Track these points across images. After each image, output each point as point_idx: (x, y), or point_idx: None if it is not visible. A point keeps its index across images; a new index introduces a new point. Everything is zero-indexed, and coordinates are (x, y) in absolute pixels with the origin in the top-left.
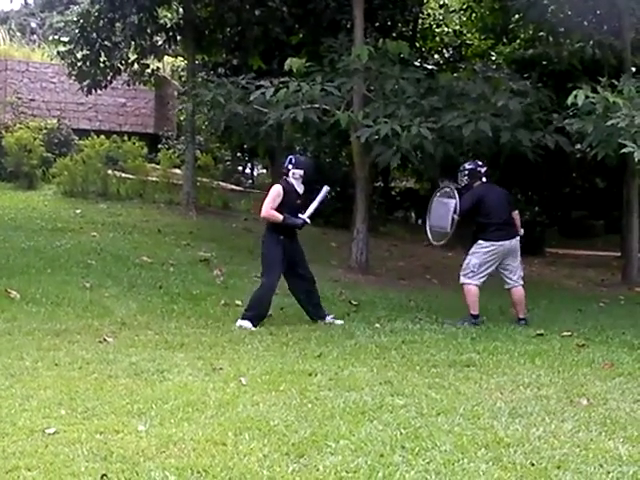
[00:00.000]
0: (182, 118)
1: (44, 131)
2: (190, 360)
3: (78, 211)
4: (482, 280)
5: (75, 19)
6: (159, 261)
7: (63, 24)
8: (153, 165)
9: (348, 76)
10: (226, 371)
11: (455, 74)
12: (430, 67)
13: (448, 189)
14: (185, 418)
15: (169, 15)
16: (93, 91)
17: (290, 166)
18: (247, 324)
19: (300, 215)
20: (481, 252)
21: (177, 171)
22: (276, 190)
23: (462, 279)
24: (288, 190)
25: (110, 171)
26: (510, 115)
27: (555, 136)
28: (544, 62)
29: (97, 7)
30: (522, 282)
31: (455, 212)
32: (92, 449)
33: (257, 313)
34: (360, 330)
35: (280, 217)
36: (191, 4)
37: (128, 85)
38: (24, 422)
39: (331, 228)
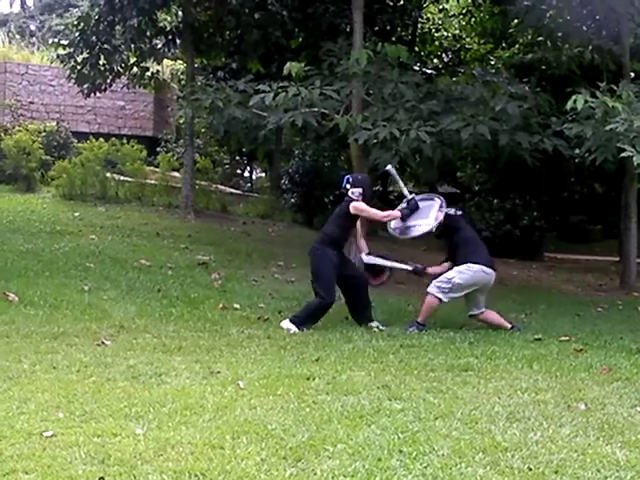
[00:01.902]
0: (181, 121)
1: (43, 134)
2: (188, 364)
3: (77, 214)
4: (451, 300)
5: (75, 22)
6: (157, 264)
7: (63, 27)
8: (152, 168)
9: (347, 80)
10: (224, 375)
11: (454, 78)
12: (429, 71)
13: (429, 195)
14: (183, 422)
15: (169, 18)
16: (92, 94)
17: (348, 185)
18: (294, 328)
19: (407, 199)
20: (470, 276)
21: (176, 174)
22: (364, 204)
23: (433, 289)
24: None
25: (109, 174)
26: (509, 119)
27: (554, 140)
28: (543, 67)
29: (97, 10)
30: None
31: (442, 207)
32: (90, 452)
33: (307, 319)
34: (358, 334)
35: (395, 212)
36: (190, 7)
37: (127, 88)
38: (22, 425)
39: None
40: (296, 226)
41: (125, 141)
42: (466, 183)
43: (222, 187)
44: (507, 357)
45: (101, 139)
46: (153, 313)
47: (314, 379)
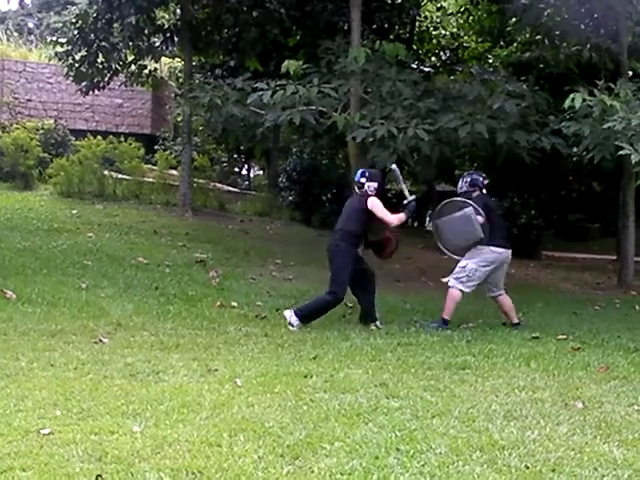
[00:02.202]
0: (179, 119)
1: (41, 131)
2: (185, 361)
3: (74, 212)
4: (472, 288)
5: (73, 20)
6: (155, 262)
7: (61, 25)
8: (150, 166)
9: (345, 78)
10: (221, 372)
11: (452, 76)
12: (427, 69)
13: (452, 202)
14: (180, 419)
15: (166, 16)
16: (90, 92)
17: (363, 179)
18: (296, 322)
19: (405, 202)
20: (481, 257)
21: (174, 172)
22: (379, 201)
23: (452, 282)
24: None
25: (107, 172)
26: (506, 117)
27: (551, 138)
28: (541, 65)
29: (95, 8)
30: (504, 289)
31: (478, 214)
32: (87, 450)
33: (312, 314)
34: (355, 332)
35: (403, 215)
36: (188, 5)
37: (125, 86)
38: (19, 422)
39: (327, 230)
40: (294, 224)
41: (123, 139)
42: None
43: (220, 185)
44: (505, 355)
45: (99, 137)
46: (151, 311)
47: (312, 377)
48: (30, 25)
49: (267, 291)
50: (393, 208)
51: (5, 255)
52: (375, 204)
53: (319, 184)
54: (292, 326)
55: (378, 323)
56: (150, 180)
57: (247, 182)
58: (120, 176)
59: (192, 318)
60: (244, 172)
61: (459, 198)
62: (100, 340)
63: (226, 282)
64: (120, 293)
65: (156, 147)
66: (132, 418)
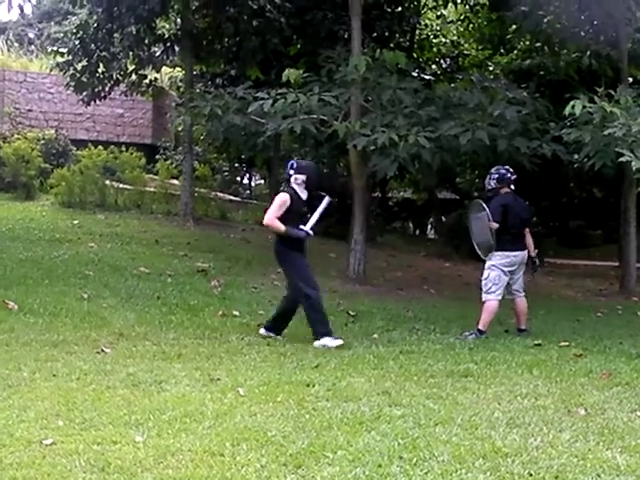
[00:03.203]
0: (180, 129)
1: (42, 142)
2: (188, 371)
3: (76, 222)
4: (502, 294)
5: (74, 30)
6: (157, 272)
7: (61, 35)
8: (151, 176)
9: (346, 86)
10: (224, 382)
11: (452, 84)
12: (427, 77)
13: (477, 203)
14: (183, 429)
15: (167, 26)
16: (91, 102)
17: (292, 171)
18: (328, 341)
19: (302, 227)
20: (498, 263)
21: (175, 182)
22: (282, 198)
23: (485, 296)
24: (294, 198)
25: (108, 182)
26: (507, 124)
27: (552, 145)
28: (541, 72)
29: (95, 18)
30: (524, 292)
31: (489, 220)
32: (90, 460)
33: (323, 323)
34: (358, 341)
35: (282, 227)
36: (189, 15)
37: (126, 96)
38: (21, 433)
39: (329, 239)
40: None
41: (124, 149)
42: (465, 189)
43: (221, 194)
44: (507, 363)
45: (100, 147)
46: (153, 320)
47: (314, 386)
48: (31, 35)
49: (269, 300)
50: (394, 215)
51: (7, 265)
52: (276, 199)
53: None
54: (329, 347)
55: (279, 337)
56: (151, 190)
57: (248, 191)
58: (121, 186)
59: (194, 327)
60: (245, 181)
61: (480, 201)
62: (102, 350)
63: (228, 291)
64: (122, 303)
65: (157, 157)
66: (135, 428)
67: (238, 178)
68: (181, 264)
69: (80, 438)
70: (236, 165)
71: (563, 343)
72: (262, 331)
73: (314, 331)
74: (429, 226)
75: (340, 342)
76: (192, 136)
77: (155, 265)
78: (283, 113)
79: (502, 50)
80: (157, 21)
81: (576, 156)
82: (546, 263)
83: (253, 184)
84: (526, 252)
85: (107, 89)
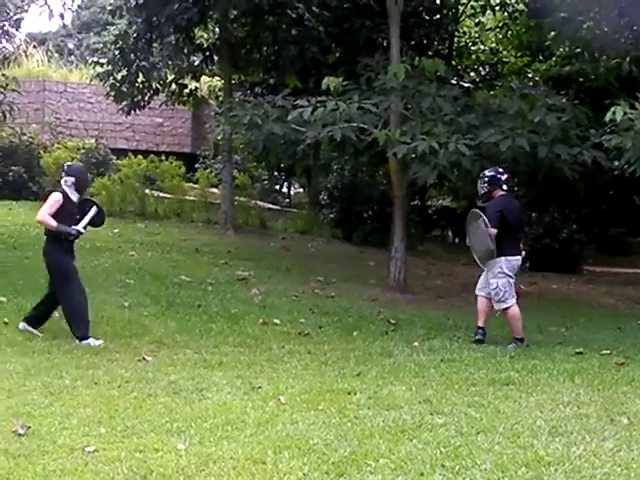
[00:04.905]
0: (219, 138)
1: (82, 151)
2: (229, 379)
3: (116, 230)
4: (515, 295)
5: (113, 40)
6: (197, 280)
7: (101, 45)
8: (191, 185)
9: (385, 94)
10: (265, 390)
11: (491, 91)
12: (466, 85)
13: (474, 212)
14: (224, 436)
15: (205, 35)
16: (131, 111)
17: (63, 173)
18: (91, 341)
19: (74, 226)
20: (504, 270)
21: (215, 190)
22: (55, 197)
23: (500, 305)
24: (65, 199)
25: (148, 190)
26: (547, 131)
27: (593, 152)
28: (580, 79)
29: (134, 28)
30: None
31: (487, 226)
32: (132, 467)
33: (84, 325)
34: (399, 349)
35: (54, 223)
36: (227, 24)
37: (166, 105)
38: (64, 440)
39: (369, 247)
40: (335, 241)
41: (163, 158)
42: None
43: (261, 203)
44: (548, 371)
45: (139, 156)
46: (193, 329)
47: (355, 394)
48: (70, 46)
49: (310, 308)
50: (433, 223)
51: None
52: (49, 198)
53: (360, 201)
54: (90, 344)
55: (35, 331)
56: (191, 198)
57: (287, 200)
58: (161, 195)
59: (235, 336)
60: (284, 190)
61: (475, 209)
62: (143, 358)
63: (268, 299)
64: (163, 311)
65: (197, 165)
66: (176, 435)
67: (277, 186)
68: (221, 272)
69: (122, 445)
70: (275, 173)
71: (604, 351)
72: (21, 325)
73: (73, 333)
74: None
75: (100, 342)
76: (231, 145)
77: (195, 273)
78: (323, 121)
79: (541, 57)
80: (196, 30)
81: (617, 163)
82: (586, 271)
83: (292, 192)
84: (520, 257)
85: (146, 98)
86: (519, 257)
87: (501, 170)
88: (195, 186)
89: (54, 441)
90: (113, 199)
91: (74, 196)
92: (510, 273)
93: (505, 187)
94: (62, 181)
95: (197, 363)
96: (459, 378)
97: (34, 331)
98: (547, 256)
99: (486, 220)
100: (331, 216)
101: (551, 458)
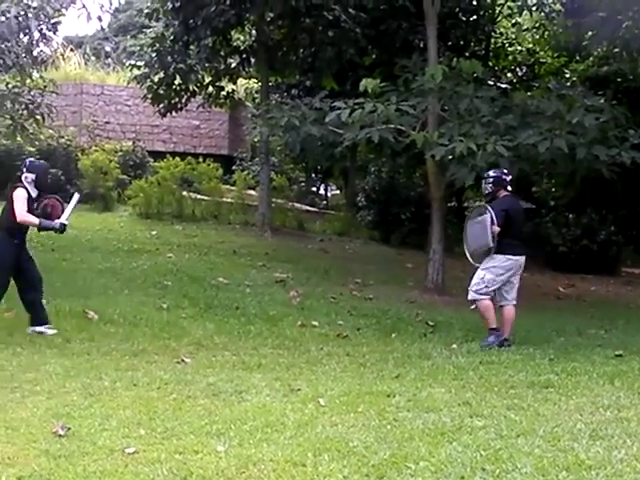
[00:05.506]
0: (256, 139)
1: (119, 153)
2: (268, 381)
3: (154, 232)
4: (490, 296)
5: (150, 42)
6: (235, 282)
7: (138, 48)
8: (228, 187)
9: (422, 96)
10: (304, 392)
11: (529, 92)
12: (504, 86)
13: (480, 206)
14: (264, 439)
15: (242, 37)
16: (168, 113)
17: (24, 169)
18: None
19: (57, 220)
20: (497, 266)
21: (252, 192)
22: (22, 193)
23: (473, 295)
24: (27, 194)
25: (185, 193)
26: (586, 132)
27: (631, 153)
28: (619, 79)
29: (171, 30)
30: (514, 302)
31: (493, 223)
32: (172, 469)
33: None
34: (437, 351)
35: (36, 220)
36: (264, 26)
37: (203, 107)
38: (104, 441)
39: (406, 249)
40: (373, 243)
41: (201, 160)
42: (541, 198)
43: (298, 205)
44: (588, 374)
45: (177, 158)
46: (232, 331)
47: (394, 396)
48: (107, 49)
49: (348, 310)
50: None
51: (87, 276)
52: (17, 196)
53: (398, 203)
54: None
55: (46, 327)
56: (228, 200)
57: (324, 201)
58: (199, 197)
59: (273, 338)
60: (321, 191)
61: (483, 203)
62: (182, 360)
63: (306, 301)
64: (201, 313)
65: (234, 168)
66: (216, 437)
67: (314, 188)
68: (259, 274)
69: (162, 447)
70: (312, 175)
71: None
72: (29, 330)
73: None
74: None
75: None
76: (269, 147)
77: (233, 275)
78: (361, 123)
79: (578, 57)
80: (232, 33)
81: None
82: (624, 273)
83: (329, 194)
84: (524, 258)
85: (183, 101)
86: (519, 257)
87: (505, 171)
88: (232, 188)
89: (94, 442)
90: (150, 201)
91: (34, 193)
92: (501, 272)
93: (509, 188)
94: (22, 177)
95: (236, 365)
96: (498, 381)
97: (45, 330)
98: (585, 258)
99: (493, 216)
100: (369, 218)
101: (592, 462)
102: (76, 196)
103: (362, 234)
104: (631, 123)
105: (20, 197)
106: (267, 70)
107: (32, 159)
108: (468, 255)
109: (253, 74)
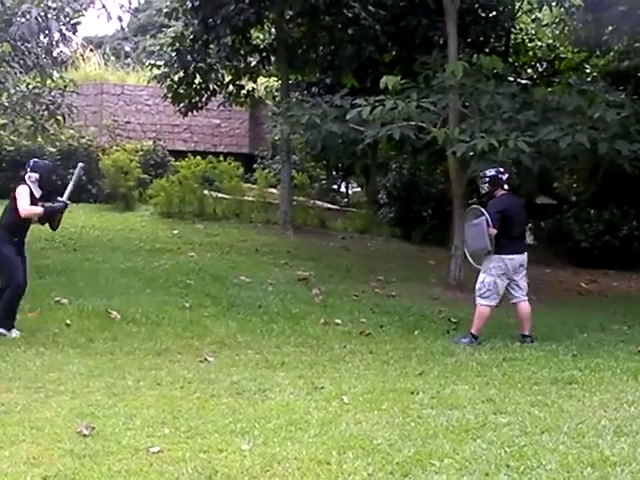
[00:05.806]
0: (277, 138)
1: (140, 153)
2: (291, 379)
3: (175, 231)
4: (497, 300)
5: (170, 42)
6: (257, 280)
7: (157, 47)
8: (249, 185)
9: (443, 92)
10: (327, 390)
11: (550, 88)
12: (524, 81)
13: (474, 208)
14: (288, 437)
15: (262, 36)
16: (188, 113)
17: (28, 169)
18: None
19: (59, 199)
20: (495, 267)
21: (273, 191)
22: (24, 189)
23: (478, 300)
24: (30, 193)
25: (206, 191)
26: (607, 127)
27: None
28: (639, 74)
29: (191, 29)
30: (526, 297)
31: (489, 225)
32: (196, 468)
33: (9, 316)
34: (460, 348)
35: (39, 210)
36: (283, 24)
37: (223, 106)
38: (128, 441)
39: (428, 246)
40: (394, 240)
41: (222, 158)
42: (563, 194)
43: (319, 202)
44: (611, 369)
45: (198, 157)
46: (254, 329)
47: (418, 393)
48: (127, 49)
49: (370, 308)
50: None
51: (109, 276)
52: (19, 192)
53: (419, 200)
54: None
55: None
56: (250, 199)
57: (346, 199)
58: (220, 195)
59: (296, 336)
60: (342, 189)
61: (477, 206)
62: (205, 359)
63: (329, 299)
64: (223, 312)
65: (255, 166)
66: (240, 436)
67: (335, 186)
68: (282, 273)
69: (186, 446)
70: (333, 173)
71: None
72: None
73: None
74: (528, 232)
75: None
76: (290, 145)
77: (256, 274)
78: (381, 120)
79: (598, 52)
80: (252, 31)
81: None
82: None
83: (350, 192)
84: (525, 254)
85: (204, 100)
86: (517, 256)
87: (502, 170)
88: (253, 186)
89: (118, 442)
90: (172, 200)
91: (37, 192)
92: (500, 273)
93: (506, 186)
94: (26, 177)
95: (259, 363)
96: (522, 377)
97: (5, 332)
98: (607, 253)
99: (489, 219)
100: (390, 215)
101: (617, 458)
102: (79, 166)
103: (383, 231)
104: None
105: (23, 192)
106: (287, 68)
107: (36, 159)
108: (468, 256)
109: (273, 72)
